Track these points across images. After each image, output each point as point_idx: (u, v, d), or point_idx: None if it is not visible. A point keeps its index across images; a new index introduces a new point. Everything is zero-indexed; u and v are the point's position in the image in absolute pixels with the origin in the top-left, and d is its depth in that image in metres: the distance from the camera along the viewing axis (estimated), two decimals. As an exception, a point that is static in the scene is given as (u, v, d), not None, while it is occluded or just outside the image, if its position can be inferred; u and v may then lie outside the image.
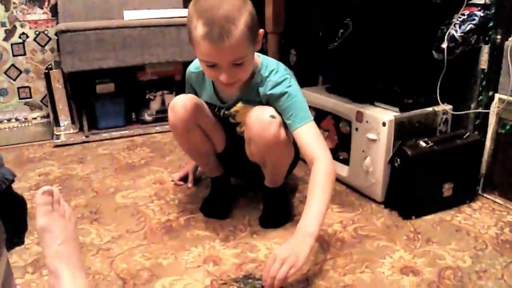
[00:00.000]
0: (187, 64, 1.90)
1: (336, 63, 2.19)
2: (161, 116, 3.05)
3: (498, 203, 1.95)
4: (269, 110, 1.63)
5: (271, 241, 1.72)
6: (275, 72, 1.67)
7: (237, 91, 1.72)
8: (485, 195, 2.01)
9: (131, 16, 2.85)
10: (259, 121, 1.61)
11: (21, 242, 1.13)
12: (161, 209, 1.97)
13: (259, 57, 1.71)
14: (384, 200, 1.96)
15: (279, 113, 1.64)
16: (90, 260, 1.62)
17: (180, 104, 1.74)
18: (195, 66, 1.82)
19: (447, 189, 1.89)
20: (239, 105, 1.76)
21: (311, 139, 1.60)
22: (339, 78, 2.22)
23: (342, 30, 2.07)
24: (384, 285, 1.47)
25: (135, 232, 1.80)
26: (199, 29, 1.45)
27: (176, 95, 2.72)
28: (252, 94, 1.70)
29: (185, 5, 3.02)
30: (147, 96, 3.05)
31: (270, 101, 1.67)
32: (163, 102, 3.08)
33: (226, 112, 1.81)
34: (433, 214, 1.87)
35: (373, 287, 1.46)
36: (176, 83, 3.05)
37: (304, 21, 2.69)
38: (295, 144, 1.72)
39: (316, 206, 1.48)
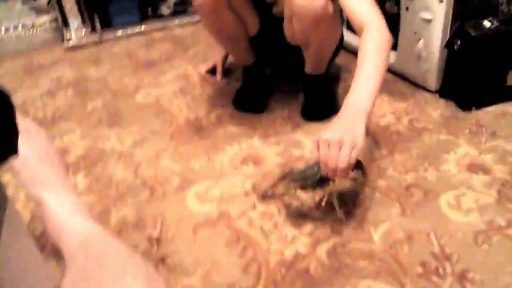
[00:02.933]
0: None
1: None
2: (180, 8, 2.84)
3: None
4: None
5: (316, 135, 1.50)
6: None
7: None
8: (550, 83, 1.79)
9: None
10: None
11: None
12: (188, 106, 1.78)
13: None
14: (439, 88, 1.74)
15: None
16: (111, 168, 1.45)
17: None
18: None
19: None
20: None
21: (361, 3, 1.34)
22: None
23: None
24: (452, 185, 1.27)
25: (160, 133, 1.61)
26: None
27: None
28: None
29: None
30: (163, -12, 2.84)
31: None
32: (181, -7, 2.87)
33: None
34: (495, 105, 1.66)
35: (440, 187, 1.27)
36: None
37: None
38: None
39: (367, 79, 1.20)
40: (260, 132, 1.56)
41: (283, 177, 1.23)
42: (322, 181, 1.13)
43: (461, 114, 1.62)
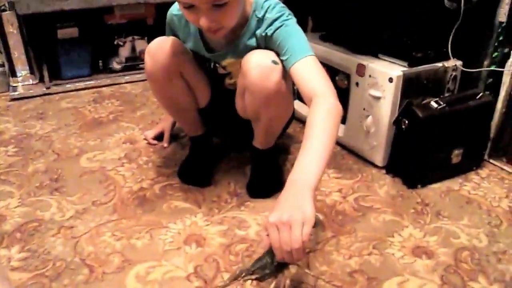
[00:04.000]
0: (160, 5, 1.62)
1: (333, 7, 1.93)
2: (131, 64, 2.82)
3: (506, 170, 1.78)
4: (270, 55, 1.37)
5: (261, 215, 1.50)
6: (271, 9, 1.41)
7: (228, 40, 1.46)
8: (491, 161, 1.84)
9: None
10: (259, 66, 1.35)
11: None
12: (132, 175, 1.73)
13: None
14: (386, 165, 1.77)
15: (276, 54, 1.39)
16: (49, 241, 1.38)
17: (160, 48, 1.47)
18: (177, 7, 1.52)
19: (456, 156, 1.70)
20: (230, 59, 1.51)
21: (311, 73, 1.31)
22: (335, 25, 1.97)
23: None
24: (396, 270, 1.27)
25: (103, 205, 1.55)
26: None
27: (148, 41, 2.46)
28: (248, 42, 1.44)
29: None
30: (115, 42, 2.80)
31: (267, 42, 1.42)
32: (133, 49, 2.83)
33: (217, 65, 1.56)
34: (440, 182, 1.69)
35: (383, 273, 1.26)
36: (148, 27, 2.79)
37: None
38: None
39: (313, 151, 1.13)
40: (205, 209, 1.53)
41: (234, 278, 1.17)
42: (280, 266, 1.08)
43: (406, 192, 1.64)
